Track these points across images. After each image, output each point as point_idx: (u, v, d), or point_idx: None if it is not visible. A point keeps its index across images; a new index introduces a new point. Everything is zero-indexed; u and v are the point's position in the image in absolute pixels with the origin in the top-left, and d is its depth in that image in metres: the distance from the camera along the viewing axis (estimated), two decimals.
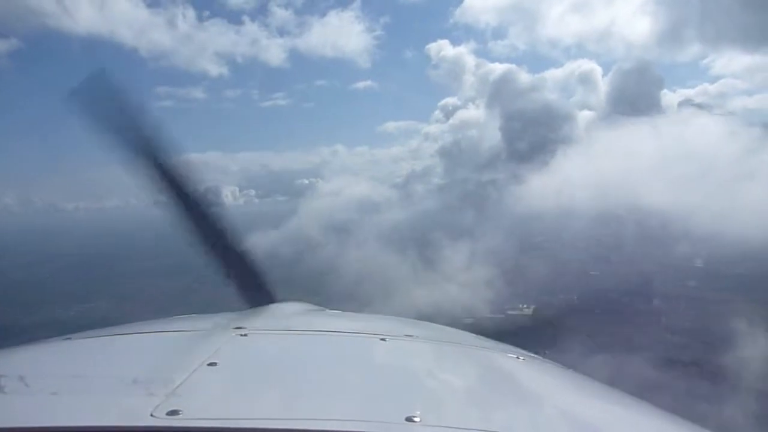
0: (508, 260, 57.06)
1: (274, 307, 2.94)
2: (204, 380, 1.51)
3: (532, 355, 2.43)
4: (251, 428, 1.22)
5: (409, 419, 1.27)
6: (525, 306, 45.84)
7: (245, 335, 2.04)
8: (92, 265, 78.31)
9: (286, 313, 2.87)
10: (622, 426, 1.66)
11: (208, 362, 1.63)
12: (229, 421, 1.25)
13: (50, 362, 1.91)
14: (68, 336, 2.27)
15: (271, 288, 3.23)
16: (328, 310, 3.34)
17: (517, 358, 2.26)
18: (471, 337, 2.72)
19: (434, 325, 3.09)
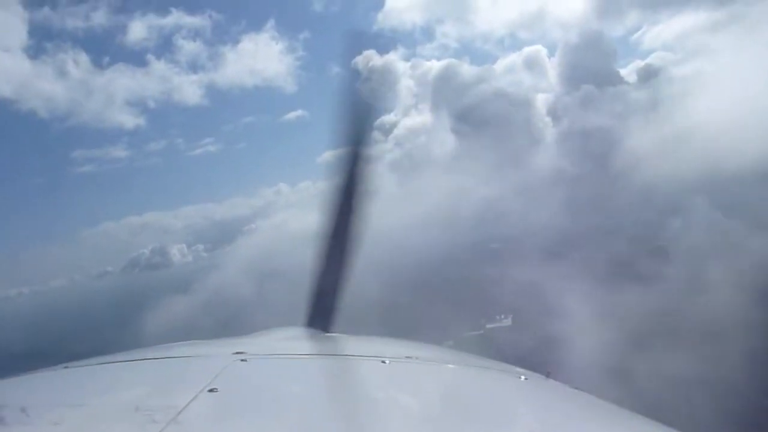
0: (476, 270, 55.38)
1: (272, 331, 3.11)
2: (205, 407, 1.50)
3: (536, 374, 2.37)
4: None
5: None
6: (503, 317, 43.98)
7: (245, 360, 2.04)
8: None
9: (285, 337, 2.97)
10: None
11: (209, 388, 1.62)
12: None
13: (50, 391, 1.89)
14: (67, 364, 2.27)
15: (334, 320, 3.33)
16: (326, 334, 3.30)
17: (521, 378, 2.23)
18: (472, 358, 2.70)
19: (434, 346, 3.12)
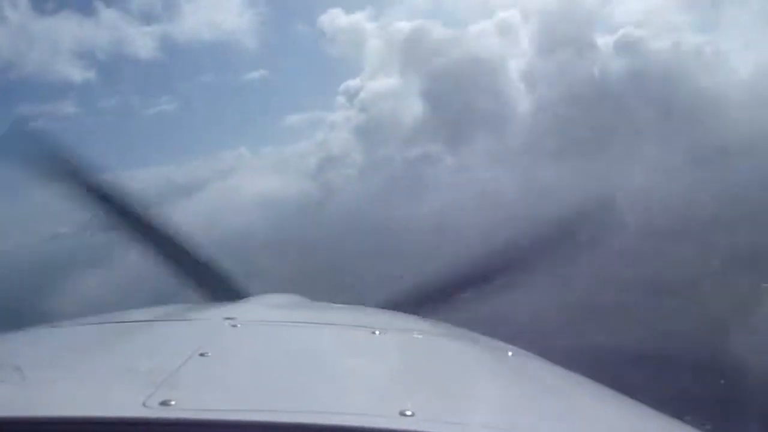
0: (441, 243, 55.11)
1: (263, 298, 3.13)
2: (195, 370, 1.50)
3: (523, 351, 2.42)
4: (244, 420, 1.21)
5: (402, 413, 1.24)
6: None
7: (235, 326, 2.05)
8: None
9: (275, 304, 3.01)
10: (610, 417, 1.70)
11: (199, 352, 1.61)
12: (222, 413, 1.24)
13: (36, 350, 1.91)
14: (54, 323, 2.29)
15: (235, 282, 3.40)
16: (316, 303, 3.36)
17: (508, 353, 2.32)
18: (461, 331, 2.72)
19: (422, 318, 3.08)
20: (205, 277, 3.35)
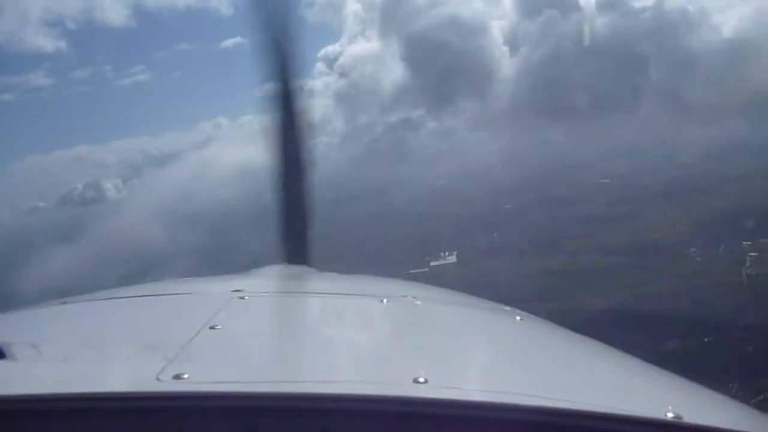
0: (424, 210, 54.96)
1: (269, 269, 3.06)
2: (206, 343, 1.50)
3: (530, 315, 2.40)
4: (257, 392, 1.19)
5: (416, 381, 1.23)
6: (447, 254, 43.71)
7: (244, 298, 2.02)
8: None
9: (281, 275, 2.96)
10: (620, 382, 1.65)
11: (210, 325, 1.61)
12: (234, 385, 1.22)
13: (49, 327, 1.89)
14: (65, 300, 2.29)
15: (308, 253, 3.49)
16: (322, 272, 3.34)
17: (516, 317, 2.27)
18: (466, 297, 2.76)
19: (429, 285, 3.25)
20: (295, 240, 3.43)
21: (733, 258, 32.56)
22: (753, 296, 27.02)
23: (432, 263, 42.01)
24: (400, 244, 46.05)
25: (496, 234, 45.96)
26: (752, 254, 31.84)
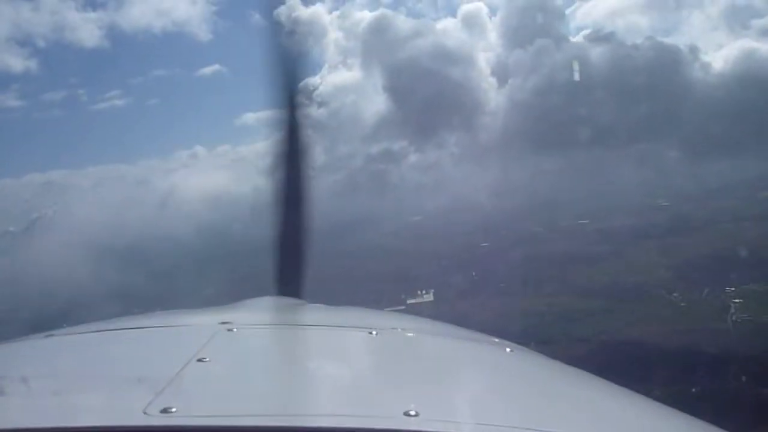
0: (399, 246, 53.91)
1: (257, 301, 3.05)
2: (194, 376, 1.48)
3: (520, 346, 2.40)
4: (247, 426, 1.19)
5: (406, 414, 1.22)
6: (424, 292, 42.51)
7: (232, 330, 2.01)
8: None
9: (270, 307, 2.94)
10: (618, 414, 1.65)
11: (197, 358, 1.59)
12: (223, 419, 1.22)
13: (36, 360, 1.89)
14: (50, 332, 2.25)
15: (302, 286, 3.39)
16: (310, 304, 3.35)
17: (506, 349, 2.26)
18: (455, 329, 2.74)
19: (416, 317, 3.20)
20: (290, 272, 3.35)
21: (718, 303, 32.26)
22: (741, 344, 26.39)
23: (409, 301, 40.73)
24: (376, 281, 44.80)
25: (473, 273, 45.15)
26: (737, 301, 31.49)
